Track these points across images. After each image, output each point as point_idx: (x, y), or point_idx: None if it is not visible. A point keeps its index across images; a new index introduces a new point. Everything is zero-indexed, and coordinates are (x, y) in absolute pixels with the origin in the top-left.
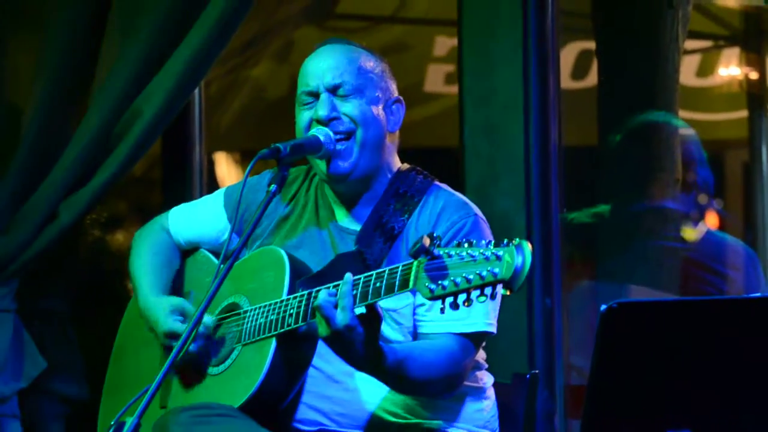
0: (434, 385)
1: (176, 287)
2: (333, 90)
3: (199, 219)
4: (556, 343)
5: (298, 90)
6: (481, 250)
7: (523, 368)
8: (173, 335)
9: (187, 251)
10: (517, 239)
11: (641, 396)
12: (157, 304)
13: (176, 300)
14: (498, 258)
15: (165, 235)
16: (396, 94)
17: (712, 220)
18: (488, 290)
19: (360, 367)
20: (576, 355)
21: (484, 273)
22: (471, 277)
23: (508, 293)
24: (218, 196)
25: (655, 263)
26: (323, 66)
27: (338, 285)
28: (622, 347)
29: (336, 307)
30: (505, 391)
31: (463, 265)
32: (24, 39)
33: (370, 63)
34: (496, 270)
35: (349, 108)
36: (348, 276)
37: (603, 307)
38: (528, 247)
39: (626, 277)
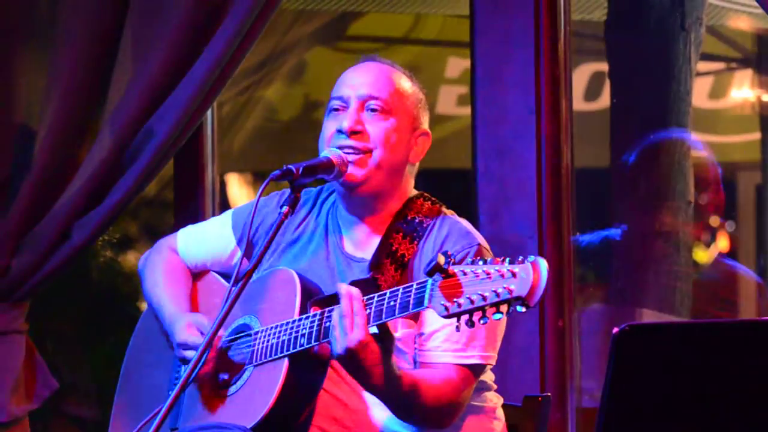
0: (437, 413)
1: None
2: (364, 101)
3: (207, 240)
4: (569, 365)
5: (330, 97)
6: (497, 267)
7: (534, 390)
8: (186, 346)
9: (195, 274)
10: (532, 256)
11: (653, 419)
12: (180, 319)
13: (197, 315)
14: (513, 275)
15: (176, 257)
16: (425, 126)
17: (723, 243)
18: (504, 307)
19: (372, 388)
20: (587, 377)
21: (500, 290)
22: (486, 294)
23: (524, 310)
24: (226, 217)
25: (667, 286)
26: (360, 78)
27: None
28: (634, 370)
29: (351, 323)
30: (516, 413)
31: (479, 283)
32: (37, 60)
33: (407, 88)
34: (512, 287)
35: (374, 127)
36: (358, 292)
37: (615, 330)
38: (543, 263)
39: (638, 301)
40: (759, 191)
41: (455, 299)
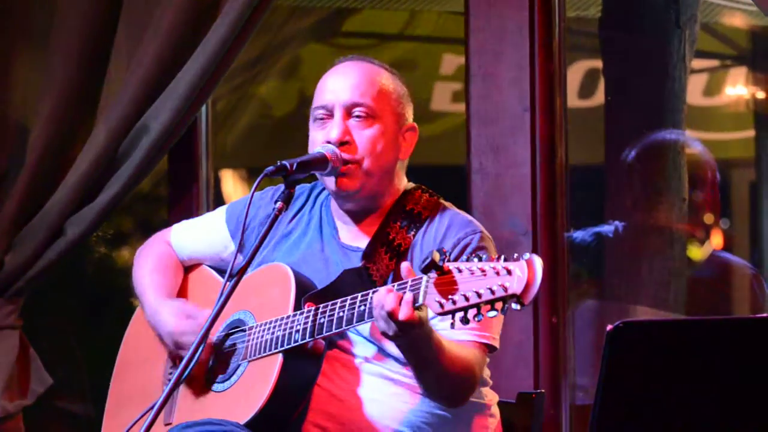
0: (463, 385)
1: None
2: (349, 109)
3: (201, 235)
4: (562, 362)
5: (313, 103)
6: (492, 265)
7: (528, 387)
8: (184, 334)
9: (189, 268)
10: (527, 254)
11: (647, 416)
12: (163, 307)
13: (180, 302)
14: (509, 272)
15: (168, 248)
16: (411, 120)
17: (717, 240)
18: (499, 305)
19: (422, 360)
20: (581, 374)
21: (495, 287)
22: (482, 291)
23: (518, 308)
24: (220, 211)
25: (661, 283)
26: (342, 83)
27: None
28: (628, 367)
29: (399, 302)
30: (510, 410)
31: (474, 280)
32: (31, 57)
33: (390, 86)
34: (507, 284)
35: (361, 136)
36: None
37: (609, 327)
38: (539, 261)
39: (632, 297)
40: (753, 188)
41: (450, 296)
